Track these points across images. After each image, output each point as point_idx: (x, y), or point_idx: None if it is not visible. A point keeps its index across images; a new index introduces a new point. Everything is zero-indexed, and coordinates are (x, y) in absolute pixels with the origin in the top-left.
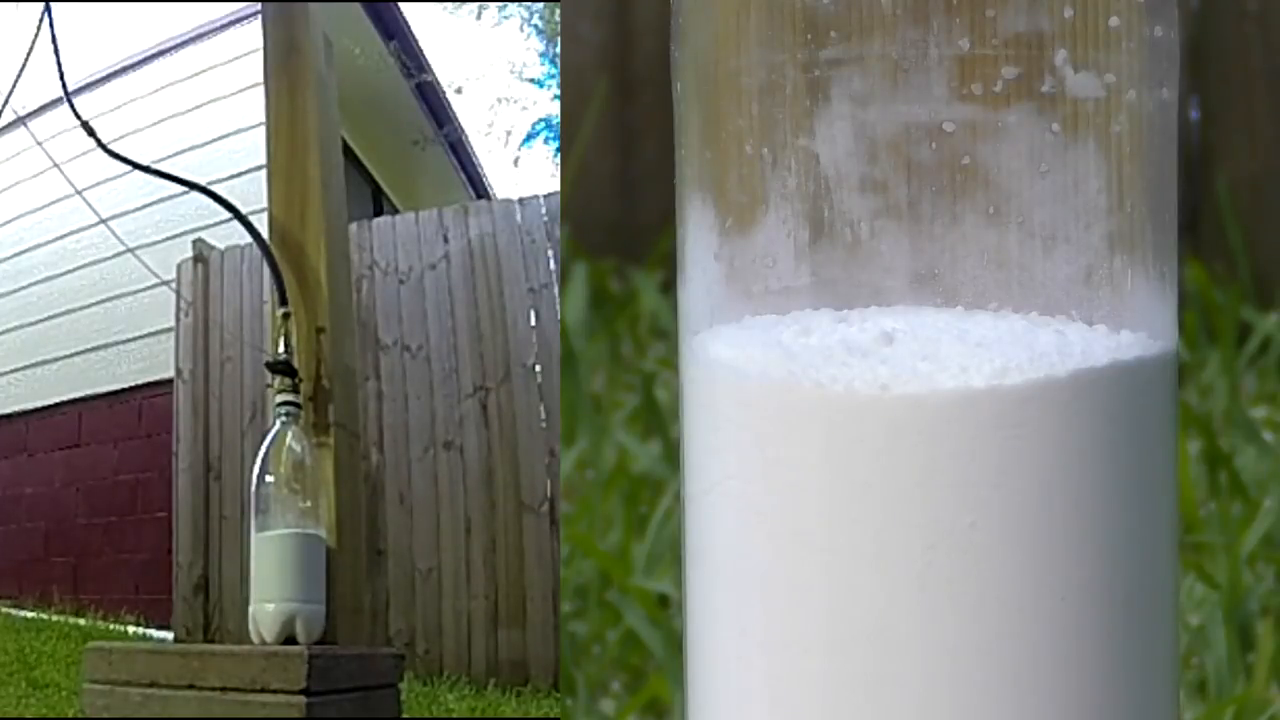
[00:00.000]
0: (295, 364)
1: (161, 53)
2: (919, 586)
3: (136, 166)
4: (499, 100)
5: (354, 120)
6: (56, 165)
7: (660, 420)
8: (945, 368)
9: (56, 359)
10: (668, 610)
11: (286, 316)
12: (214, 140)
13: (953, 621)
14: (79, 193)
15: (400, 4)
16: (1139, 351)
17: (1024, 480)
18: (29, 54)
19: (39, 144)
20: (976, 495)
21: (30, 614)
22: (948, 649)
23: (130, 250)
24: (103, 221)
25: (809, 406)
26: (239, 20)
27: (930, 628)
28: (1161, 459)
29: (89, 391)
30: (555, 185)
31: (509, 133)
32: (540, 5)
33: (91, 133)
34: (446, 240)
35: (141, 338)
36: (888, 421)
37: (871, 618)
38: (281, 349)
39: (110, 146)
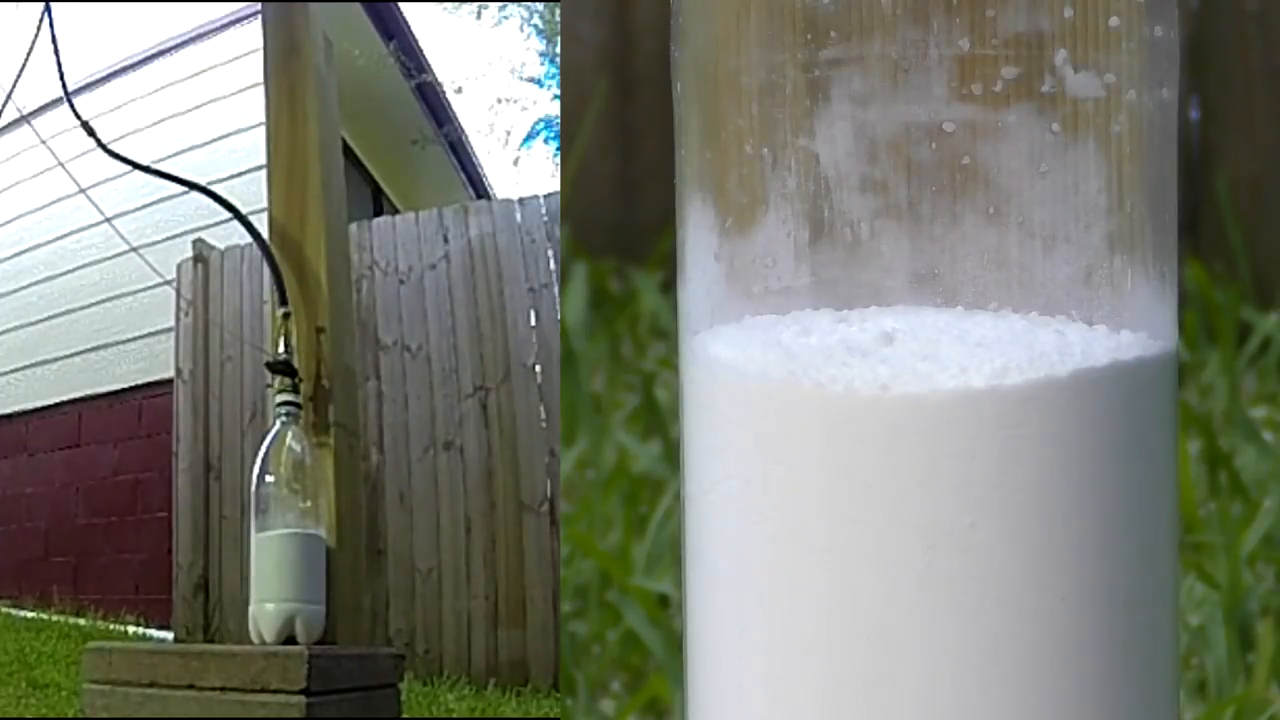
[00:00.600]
0: (295, 364)
1: (161, 53)
2: (919, 586)
3: (136, 166)
4: (499, 100)
5: (354, 120)
6: (61, 164)
7: (660, 420)
8: (945, 368)
9: (56, 359)
10: (668, 610)
11: (286, 316)
12: (214, 140)
13: (953, 621)
14: (83, 191)
15: (400, 4)
16: (1139, 351)
17: (1024, 480)
18: (29, 54)
19: (43, 142)
20: (976, 495)
21: (30, 614)
22: (948, 649)
23: (134, 249)
24: (107, 220)
25: (809, 406)
26: (239, 20)
27: (930, 628)
28: (1161, 459)
29: (89, 391)
30: (555, 185)
31: (509, 133)
32: (540, 5)
33: (91, 133)
34: (446, 240)
35: (141, 338)
36: (888, 421)
37: (871, 618)
38: (281, 349)
39: (110, 146)
